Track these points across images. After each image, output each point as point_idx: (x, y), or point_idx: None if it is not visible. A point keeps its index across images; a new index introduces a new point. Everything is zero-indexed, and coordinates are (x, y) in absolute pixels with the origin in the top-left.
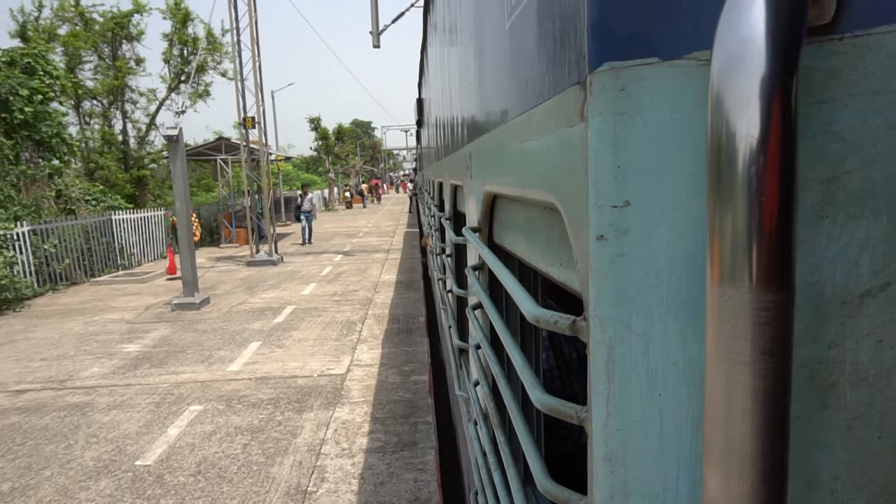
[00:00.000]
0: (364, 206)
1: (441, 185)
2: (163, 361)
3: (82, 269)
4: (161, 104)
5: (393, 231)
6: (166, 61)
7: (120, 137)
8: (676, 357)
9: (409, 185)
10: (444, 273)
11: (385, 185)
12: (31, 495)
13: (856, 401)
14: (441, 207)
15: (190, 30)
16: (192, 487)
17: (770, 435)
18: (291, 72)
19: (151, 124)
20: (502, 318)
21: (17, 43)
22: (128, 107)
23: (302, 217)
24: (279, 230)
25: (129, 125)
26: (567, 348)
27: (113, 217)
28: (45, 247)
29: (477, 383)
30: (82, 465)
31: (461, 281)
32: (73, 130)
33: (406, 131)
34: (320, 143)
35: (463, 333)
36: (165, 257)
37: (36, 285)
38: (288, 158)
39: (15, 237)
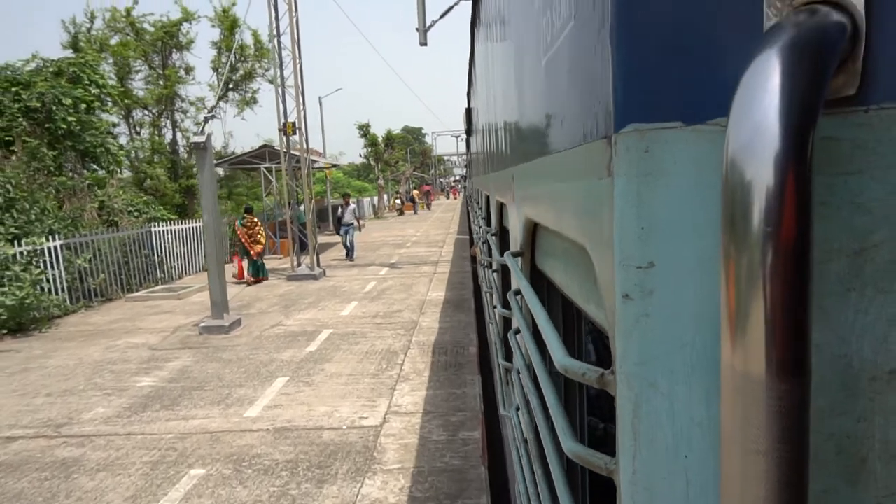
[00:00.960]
0: (415, 213)
1: (488, 198)
2: (175, 401)
3: (118, 284)
4: (211, 112)
5: (442, 241)
6: (215, 69)
7: (169, 147)
8: (701, 418)
9: (459, 191)
10: (491, 287)
11: (436, 191)
12: None
13: (887, 478)
14: (488, 221)
15: (237, 37)
16: None
17: None
18: (342, 81)
19: (200, 133)
20: (540, 354)
21: (69, 54)
22: (177, 116)
23: (342, 231)
24: (325, 240)
25: (179, 134)
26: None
27: (152, 229)
28: (79, 262)
29: (518, 408)
30: None
31: (505, 301)
32: (123, 140)
33: (457, 137)
34: (370, 149)
35: (509, 353)
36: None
37: (68, 302)
38: (335, 166)
39: (45, 252)
